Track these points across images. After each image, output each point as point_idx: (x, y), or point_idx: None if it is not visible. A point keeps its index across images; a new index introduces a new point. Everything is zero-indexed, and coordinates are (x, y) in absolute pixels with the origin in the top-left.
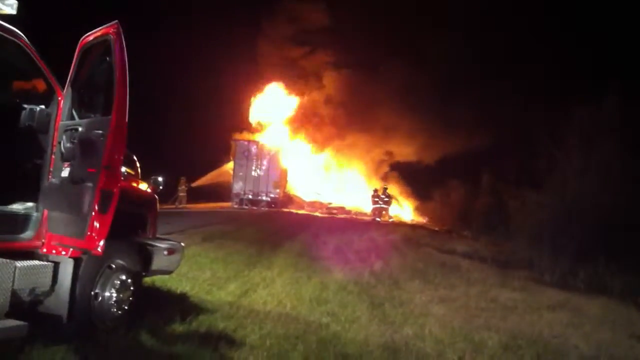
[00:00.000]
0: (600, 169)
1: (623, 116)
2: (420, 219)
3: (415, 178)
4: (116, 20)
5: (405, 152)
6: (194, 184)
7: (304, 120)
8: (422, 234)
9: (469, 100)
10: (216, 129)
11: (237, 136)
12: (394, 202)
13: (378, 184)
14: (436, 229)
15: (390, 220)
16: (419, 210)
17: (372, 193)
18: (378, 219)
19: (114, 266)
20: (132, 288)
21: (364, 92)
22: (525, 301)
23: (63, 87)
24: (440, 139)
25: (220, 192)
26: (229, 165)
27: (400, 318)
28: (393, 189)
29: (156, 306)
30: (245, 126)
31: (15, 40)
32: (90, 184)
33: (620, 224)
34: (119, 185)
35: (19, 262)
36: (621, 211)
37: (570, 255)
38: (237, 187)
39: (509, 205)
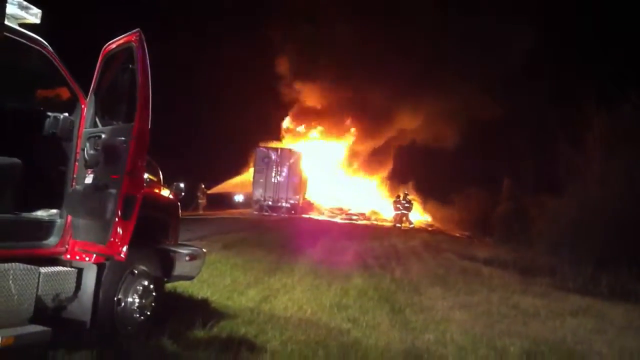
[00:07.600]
0: (621, 174)
1: None
2: (440, 225)
3: (434, 184)
4: (138, 28)
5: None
6: (210, 191)
7: (326, 126)
8: (442, 240)
9: (489, 106)
10: (243, 137)
11: (262, 144)
12: (414, 207)
13: (400, 190)
14: (457, 235)
15: (411, 226)
16: (439, 216)
17: (394, 199)
18: (399, 225)
19: (136, 272)
20: (154, 294)
21: (386, 96)
22: (548, 307)
23: (86, 95)
24: (459, 143)
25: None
26: (249, 173)
27: (421, 324)
28: (413, 196)
29: (178, 312)
30: (272, 133)
31: (40, 49)
32: (113, 190)
33: None
34: (141, 191)
35: (43, 268)
36: None
37: (592, 261)
38: (257, 193)
39: (529, 211)
